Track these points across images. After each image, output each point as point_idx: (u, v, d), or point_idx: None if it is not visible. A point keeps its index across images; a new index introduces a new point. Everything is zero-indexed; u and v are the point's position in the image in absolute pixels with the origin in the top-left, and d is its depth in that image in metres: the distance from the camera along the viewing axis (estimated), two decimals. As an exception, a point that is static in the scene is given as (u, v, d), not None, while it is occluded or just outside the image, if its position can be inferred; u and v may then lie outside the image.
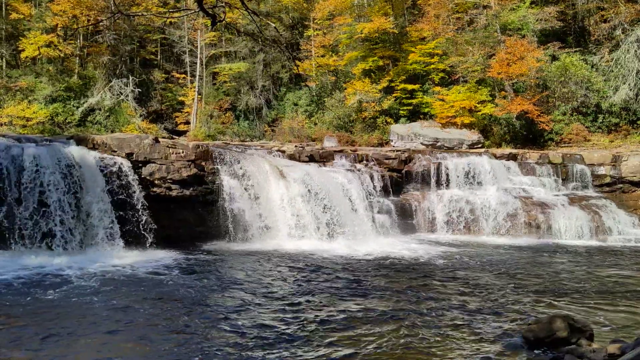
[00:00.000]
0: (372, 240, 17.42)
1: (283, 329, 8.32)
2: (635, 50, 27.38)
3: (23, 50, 34.17)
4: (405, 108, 31.87)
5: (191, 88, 38.19)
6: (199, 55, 37.98)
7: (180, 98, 38.56)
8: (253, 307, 9.56)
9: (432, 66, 31.74)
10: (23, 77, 34.17)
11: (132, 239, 14.82)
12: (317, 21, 39.14)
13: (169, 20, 37.64)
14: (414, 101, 31.72)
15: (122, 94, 35.14)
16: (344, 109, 32.74)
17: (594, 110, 28.54)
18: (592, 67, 29.61)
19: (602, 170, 22.31)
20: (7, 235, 13.39)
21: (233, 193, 17.01)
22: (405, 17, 35.70)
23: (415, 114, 31.77)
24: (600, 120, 28.37)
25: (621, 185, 22.05)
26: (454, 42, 31.02)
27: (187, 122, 37.26)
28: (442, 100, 29.62)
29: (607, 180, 22.20)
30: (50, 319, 8.66)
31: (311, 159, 20.40)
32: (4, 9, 36.12)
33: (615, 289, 11.49)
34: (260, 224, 17.14)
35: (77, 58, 37.01)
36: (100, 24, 35.41)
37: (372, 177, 19.96)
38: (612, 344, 7.17)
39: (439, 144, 27.55)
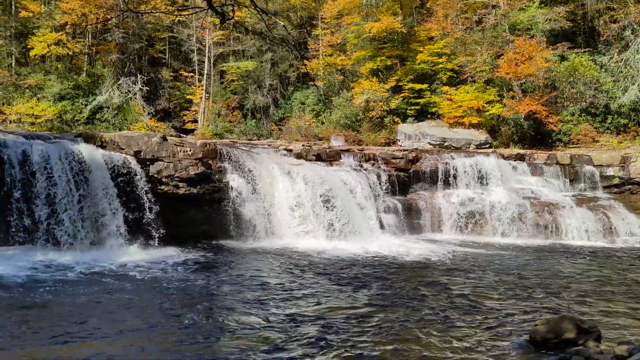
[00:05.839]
0: (378, 239, 17.39)
1: (289, 327, 8.33)
2: (645, 51, 27.24)
3: (32, 48, 34.32)
4: (412, 108, 31.79)
5: (199, 86, 38.25)
6: (207, 54, 38.04)
7: (188, 96, 38.63)
8: (261, 305, 9.57)
9: (440, 66, 31.64)
10: (32, 74, 34.33)
11: (140, 237, 14.87)
12: (325, 20, 39.10)
13: (177, 18, 37.71)
14: (422, 101, 31.64)
15: (130, 92, 35.25)
16: (352, 108, 32.70)
17: (603, 111, 28.37)
18: (601, 67, 29.44)
19: (610, 172, 22.18)
20: (15, 232, 13.45)
21: (240, 191, 17.04)
22: (414, 16, 35.61)
23: (423, 114, 31.68)
24: (609, 121, 28.20)
25: (630, 186, 21.92)
26: (463, 42, 30.92)
27: (195, 121, 37.32)
28: (450, 100, 29.53)
29: (616, 181, 22.08)
30: (61, 316, 8.70)
31: (318, 158, 20.38)
32: (13, 6, 36.29)
33: (623, 291, 11.44)
34: (267, 223, 17.16)
35: (86, 56, 37.13)
36: (109, 22, 35.51)
37: (379, 177, 19.92)
38: (619, 345, 7.14)
39: (446, 143, 27.48)
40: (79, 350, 7.28)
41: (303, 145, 22.33)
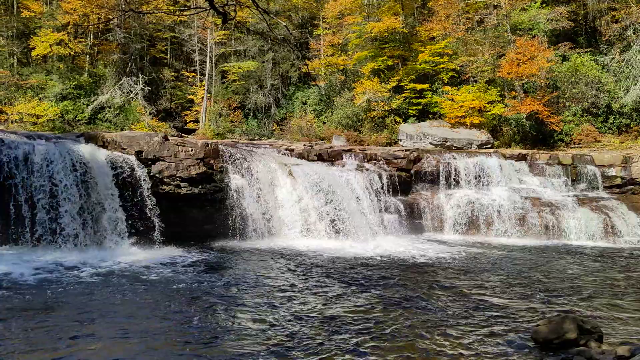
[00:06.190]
0: (380, 239, 17.39)
1: (295, 328, 8.33)
2: (647, 51, 27.22)
3: (34, 48, 34.38)
4: (414, 108, 31.80)
5: (200, 86, 38.27)
6: (208, 54, 38.05)
7: (189, 96, 38.65)
8: (267, 305, 9.57)
9: (442, 66, 31.65)
10: (34, 74, 34.38)
11: (141, 237, 14.89)
12: (326, 20, 39.14)
13: (179, 18, 37.74)
14: (423, 101, 31.65)
15: (131, 92, 35.28)
16: (353, 108, 32.73)
17: (605, 111, 28.37)
18: (603, 67, 29.42)
19: (612, 172, 22.16)
20: (17, 232, 13.47)
21: (241, 191, 17.04)
22: (415, 16, 35.61)
23: (425, 114, 31.71)
24: (611, 121, 28.19)
25: (632, 186, 21.89)
26: (464, 42, 30.92)
27: (196, 121, 37.34)
28: (452, 100, 29.54)
29: (618, 181, 22.06)
30: (65, 316, 8.70)
31: (320, 158, 20.39)
32: (15, 6, 36.34)
33: (625, 291, 11.43)
34: (268, 223, 17.17)
35: (88, 56, 37.18)
36: (111, 22, 35.55)
37: (380, 177, 19.93)
38: (621, 345, 7.13)
39: (448, 143, 27.48)
40: (84, 351, 7.27)
41: (305, 145, 22.32)
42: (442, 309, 9.51)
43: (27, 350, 7.23)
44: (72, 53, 35.28)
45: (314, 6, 41.29)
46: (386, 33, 33.46)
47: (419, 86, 31.81)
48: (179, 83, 40.09)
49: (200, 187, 16.47)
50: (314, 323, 8.57)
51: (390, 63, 33.59)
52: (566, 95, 28.91)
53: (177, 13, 34.14)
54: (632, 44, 28.39)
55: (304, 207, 17.44)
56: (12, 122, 31.67)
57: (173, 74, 40.16)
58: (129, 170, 15.15)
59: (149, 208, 15.19)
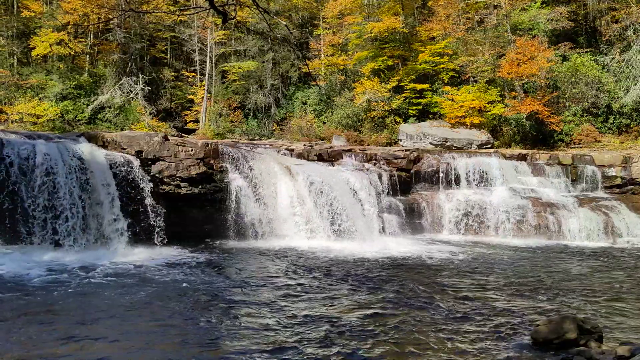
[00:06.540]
0: (380, 240, 17.38)
1: (300, 328, 8.34)
2: (647, 51, 27.23)
3: (34, 47, 34.40)
4: (414, 108, 31.82)
5: (200, 86, 38.27)
6: (208, 54, 38.06)
7: (189, 96, 38.66)
8: (271, 306, 9.57)
9: (442, 66, 31.67)
10: (34, 74, 34.40)
11: (141, 237, 14.88)
12: (326, 20, 39.16)
13: (179, 18, 37.75)
14: (423, 101, 31.66)
15: (132, 92, 35.28)
16: (353, 108, 32.74)
17: (605, 111, 28.37)
18: (603, 67, 29.44)
19: (612, 172, 22.16)
20: (17, 232, 13.46)
21: (242, 191, 17.03)
22: (415, 16, 35.64)
23: (425, 114, 31.72)
24: (611, 121, 28.20)
25: (632, 187, 21.89)
26: (464, 42, 30.94)
27: (197, 121, 37.34)
28: (452, 100, 29.56)
29: (618, 181, 22.06)
30: (67, 316, 8.68)
31: (320, 157, 20.39)
32: (15, 6, 36.35)
33: (625, 291, 11.43)
34: (268, 223, 17.15)
35: (88, 56, 37.19)
36: (111, 22, 35.57)
37: (380, 177, 19.93)
38: (621, 345, 7.13)
39: (448, 143, 27.48)
40: (86, 351, 7.25)
41: (305, 145, 22.32)
42: (443, 309, 9.51)
43: (30, 351, 7.22)
44: (72, 53, 35.29)
45: (314, 6, 41.31)
46: (386, 33, 33.48)
47: (419, 86, 31.83)
48: (179, 83, 40.10)
49: (200, 187, 16.47)
50: (316, 323, 8.57)
51: (390, 63, 33.62)
52: (566, 95, 28.93)
53: (177, 13, 34.18)
54: (632, 44, 28.40)
55: (304, 207, 17.43)
56: (12, 122, 31.68)
57: (173, 74, 40.16)
58: (128, 170, 15.14)
59: (149, 208, 15.18)
